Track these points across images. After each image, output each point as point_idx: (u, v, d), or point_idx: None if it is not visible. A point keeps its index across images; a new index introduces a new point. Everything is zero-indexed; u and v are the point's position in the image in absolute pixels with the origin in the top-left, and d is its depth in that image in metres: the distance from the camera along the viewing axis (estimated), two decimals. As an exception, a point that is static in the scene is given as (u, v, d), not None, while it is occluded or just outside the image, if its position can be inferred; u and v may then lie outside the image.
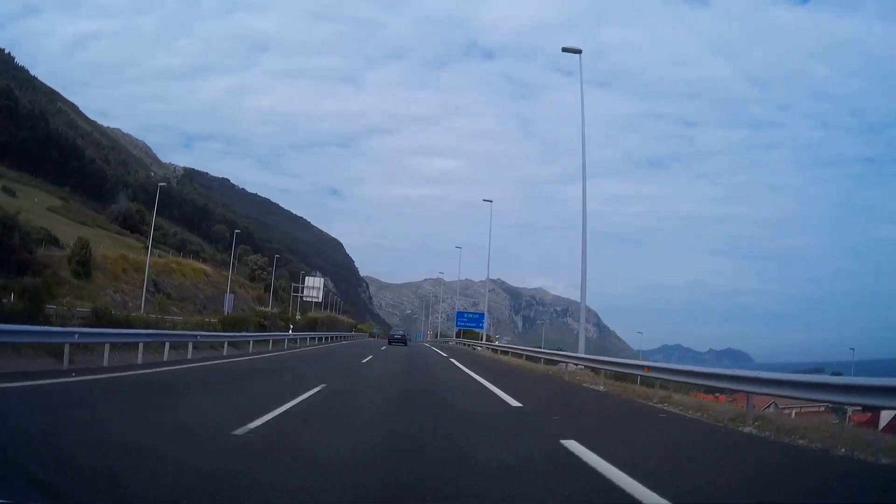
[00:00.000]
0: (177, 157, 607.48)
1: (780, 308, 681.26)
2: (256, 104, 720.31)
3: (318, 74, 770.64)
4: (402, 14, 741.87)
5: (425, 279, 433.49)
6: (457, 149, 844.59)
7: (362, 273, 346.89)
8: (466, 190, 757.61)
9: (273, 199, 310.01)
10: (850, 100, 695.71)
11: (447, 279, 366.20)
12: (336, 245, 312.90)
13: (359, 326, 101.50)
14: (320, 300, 62.72)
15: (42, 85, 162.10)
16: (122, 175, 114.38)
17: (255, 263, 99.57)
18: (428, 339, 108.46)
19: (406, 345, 53.63)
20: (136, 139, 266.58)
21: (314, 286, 62.30)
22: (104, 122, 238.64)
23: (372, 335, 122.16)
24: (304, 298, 62.79)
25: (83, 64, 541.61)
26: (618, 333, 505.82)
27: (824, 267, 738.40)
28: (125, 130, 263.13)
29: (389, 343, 54.29)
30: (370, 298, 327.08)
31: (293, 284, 68.15)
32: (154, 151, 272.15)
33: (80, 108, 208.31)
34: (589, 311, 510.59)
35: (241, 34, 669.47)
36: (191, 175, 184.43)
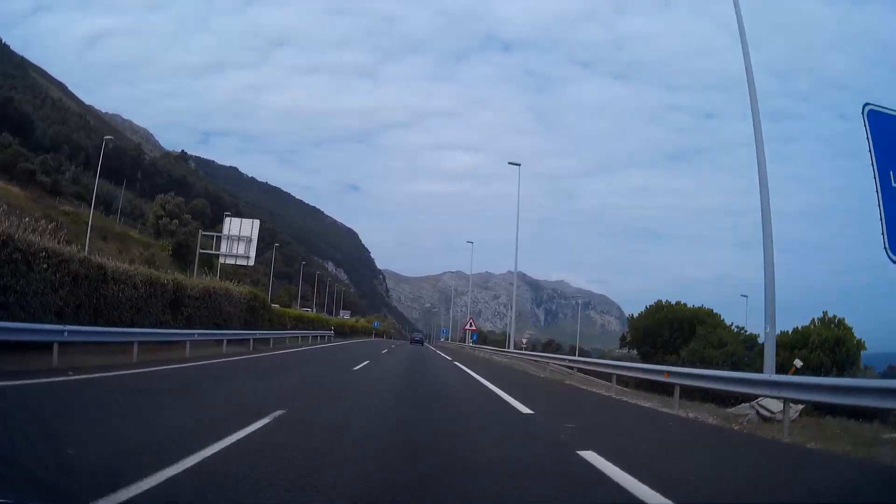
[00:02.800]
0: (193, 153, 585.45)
1: (803, 300, 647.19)
2: (274, 100, 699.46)
3: (337, 69, 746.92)
4: (419, 6, 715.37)
5: (444, 272, 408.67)
6: (477, 143, 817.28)
7: (381, 266, 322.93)
8: (487, 184, 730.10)
9: (284, 189, 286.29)
10: (870, 90, 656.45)
11: (467, 272, 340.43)
12: (351, 236, 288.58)
13: (312, 316, 57.82)
14: (251, 261, 35.34)
15: (14, 54, 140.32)
16: (72, 136, 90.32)
17: (163, 208, 62.47)
18: (460, 340, 72.32)
19: (422, 345, 61.79)
20: (138, 126, 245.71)
21: (240, 234, 34.32)
22: (106, 110, 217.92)
23: (371, 333, 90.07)
24: (223, 260, 35.30)
25: (97, 62, 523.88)
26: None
27: (848, 259, 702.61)
28: (125, 116, 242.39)
29: (411, 343, 64.74)
30: (387, 291, 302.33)
31: (201, 233, 39.83)
32: (157, 139, 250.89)
33: (69, 87, 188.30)
34: (612, 304, 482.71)
35: (257, 29, 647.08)
36: (185, 158, 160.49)
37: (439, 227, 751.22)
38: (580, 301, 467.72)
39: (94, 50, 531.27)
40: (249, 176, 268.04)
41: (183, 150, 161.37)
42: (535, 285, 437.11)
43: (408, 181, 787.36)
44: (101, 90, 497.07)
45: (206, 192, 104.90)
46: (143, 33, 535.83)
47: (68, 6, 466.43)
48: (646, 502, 4.15)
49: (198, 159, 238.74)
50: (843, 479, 5.61)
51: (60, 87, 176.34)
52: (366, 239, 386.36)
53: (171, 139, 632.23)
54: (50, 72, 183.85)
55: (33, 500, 3.18)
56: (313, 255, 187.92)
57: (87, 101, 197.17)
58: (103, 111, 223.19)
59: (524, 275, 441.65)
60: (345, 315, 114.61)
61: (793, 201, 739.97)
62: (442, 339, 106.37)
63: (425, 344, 77.61)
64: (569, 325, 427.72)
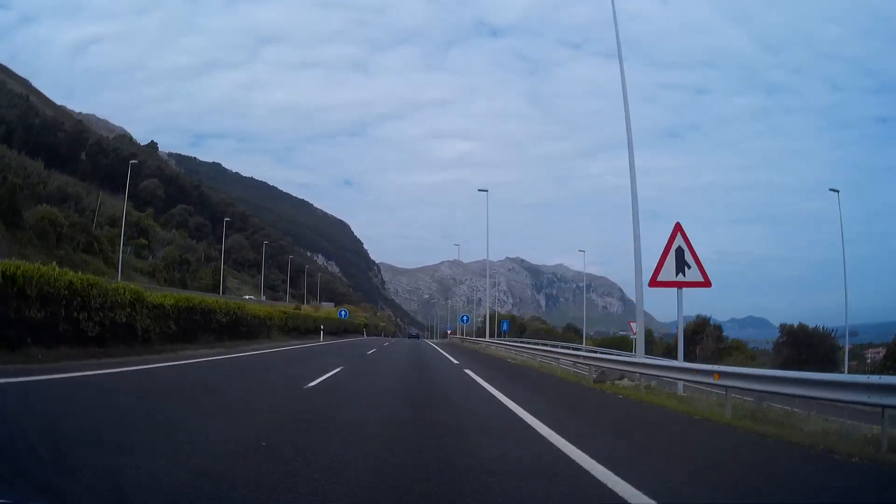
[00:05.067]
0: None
1: (802, 273, 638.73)
2: (267, 98, 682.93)
3: (328, 64, 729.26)
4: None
5: (442, 262, 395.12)
6: (472, 131, 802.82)
7: (378, 260, 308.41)
8: (483, 172, 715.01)
9: (272, 184, 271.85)
10: (864, 61, 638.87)
11: (465, 260, 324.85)
12: (342, 227, 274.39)
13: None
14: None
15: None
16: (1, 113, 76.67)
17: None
18: (476, 334, 58.90)
19: (419, 339, 64.87)
20: (114, 125, 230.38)
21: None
22: (80, 110, 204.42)
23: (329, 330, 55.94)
24: None
25: (87, 70, 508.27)
26: (643, 307, 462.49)
27: (845, 230, 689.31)
28: (100, 116, 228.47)
29: (408, 338, 66.97)
30: (383, 283, 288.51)
31: None
32: (136, 139, 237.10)
33: (32, 83, 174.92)
34: (613, 285, 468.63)
35: (246, 27, 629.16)
36: (154, 147, 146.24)
37: (436, 218, 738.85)
38: (580, 284, 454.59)
39: (83, 58, 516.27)
40: (234, 171, 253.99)
41: (152, 141, 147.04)
42: (534, 270, 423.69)
43: (403, 172, 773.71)
44: (93, 97, 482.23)
45: (159, 173, 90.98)
46: (132, 38, 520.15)
47: (54, 15, 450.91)
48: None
49: (178, 156, 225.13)
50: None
51: (23, 82, 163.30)
52: (360, 231, 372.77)
53: (165, 142, 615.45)
54: (33, 77, 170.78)
55: (33, 500, 3.03)
56: (299, 247, 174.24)
57: (81, 108, 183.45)
58: (77, 111, 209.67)
59: (523, 260, 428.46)
60: (325, 307, 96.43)
61: (789, 174, 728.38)
62: (449, 332, 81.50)
63: (422, 339, 75.17)
64: (570, 310, 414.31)
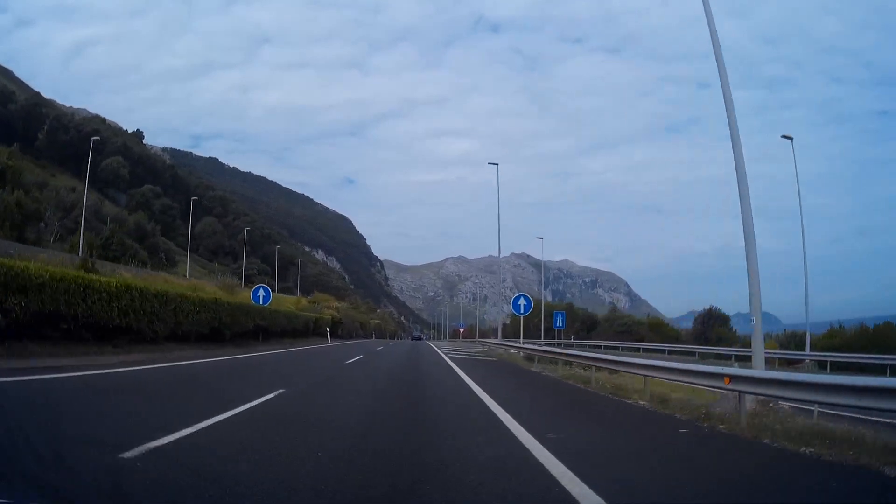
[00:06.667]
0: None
1: (805, 268, 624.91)
2: (264, 99, 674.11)
3: (324, 63, 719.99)
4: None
5: (446, 258, 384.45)
6: (471, 129, 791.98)
7: (381, 257, 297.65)
8: (483, 170, 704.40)
9: (270, 179, 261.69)
10: (863, 53, 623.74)
11: (469, 257, 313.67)
12: (344, 222, 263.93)
13: None
14: None
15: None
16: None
17: None
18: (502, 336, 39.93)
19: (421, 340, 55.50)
20: (108, 120, 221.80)
21: None
22: (71, 104, 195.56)
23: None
24: None
25: (84, 72, 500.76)
26: (649, 302, 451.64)
27: (846, 225, 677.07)
28: (92, 110, 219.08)
29: (412, 340, 59.83)
30: (386, 280, 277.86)
31: None
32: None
33: (15, 73, 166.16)
34: (619, 280, 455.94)
35: (241, 28, 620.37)
36: (140, 136, 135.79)
37: (438, 215, 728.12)
38: (586, 280, 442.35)
39: (79, 60, 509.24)
40: (231, 166, 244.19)
41: (138, 129, 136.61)
42: (539, 266, 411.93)
43: (403, 172, 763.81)
44: (88, 100, 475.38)
45: (124, 149, 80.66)
46: (127, 40, 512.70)
47: (49, 18, 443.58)
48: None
49: (174, 151, 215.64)
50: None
51: (6, 73, 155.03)
52: (362, 228, 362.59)
53: (162, 143, 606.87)
54: (30, 81, 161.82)
55: (33, 501, 2.93)
56: (295, 240, 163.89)
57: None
58: (67, 105, 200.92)
59: (528, 256, 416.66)
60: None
61: (789, 169, 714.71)
62: (461, 331, 65.36)
63: (424, 340, 70.48)
64: (577, 305, 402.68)
